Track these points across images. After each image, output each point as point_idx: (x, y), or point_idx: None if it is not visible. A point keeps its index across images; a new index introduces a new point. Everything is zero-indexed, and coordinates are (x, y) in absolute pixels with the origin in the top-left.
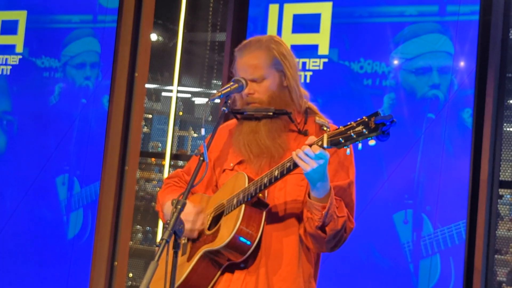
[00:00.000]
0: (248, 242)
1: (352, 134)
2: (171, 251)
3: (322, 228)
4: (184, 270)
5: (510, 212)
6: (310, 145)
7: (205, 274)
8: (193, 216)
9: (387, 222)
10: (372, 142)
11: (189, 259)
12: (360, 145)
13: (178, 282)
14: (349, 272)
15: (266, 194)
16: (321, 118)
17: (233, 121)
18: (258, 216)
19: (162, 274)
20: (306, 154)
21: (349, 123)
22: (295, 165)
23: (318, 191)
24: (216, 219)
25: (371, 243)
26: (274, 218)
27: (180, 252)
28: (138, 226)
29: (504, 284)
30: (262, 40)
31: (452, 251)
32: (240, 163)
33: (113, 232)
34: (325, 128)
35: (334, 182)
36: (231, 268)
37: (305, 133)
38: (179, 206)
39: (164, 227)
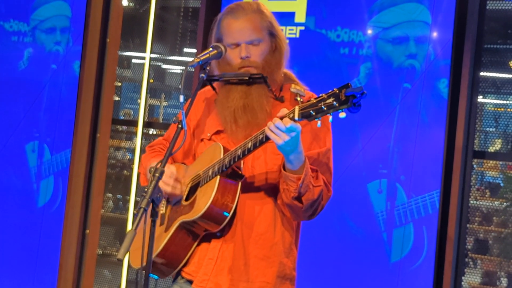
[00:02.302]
0: (224, 213)
1: (322, 106)
2: (148, 220)
3: (298, 198)
4: (162, 240)
5: (477, 181)
6: (281, 118)
7: (183, 244)
8: (172, 181)
9: (361, 192)
10: (342, 115)
11: (166, 229)
12: (330, 117)
13: (155, 252)
14: (323, 241)
15: (241, 165)
16: (297, 85)
17: (207, 89)
18: (233, 187)
19: (139, 244)
20: (277, 127)
21: (320, 95)
22: (268, 137)
23: (292, 164)
24: (192, 190)
25: (345, 212)
26: (250, 187)
27: (157, 222)
28: (109, 194)
29: (469, 252)
30: (252, 4)
31: (425, 220)
32: (217, 133)
33: (84, 200)
34: (298, 98)
35: (310, 151)
36: (208, 237)
37: (281, 100)
38: (157, 174)
39: (141, 196)
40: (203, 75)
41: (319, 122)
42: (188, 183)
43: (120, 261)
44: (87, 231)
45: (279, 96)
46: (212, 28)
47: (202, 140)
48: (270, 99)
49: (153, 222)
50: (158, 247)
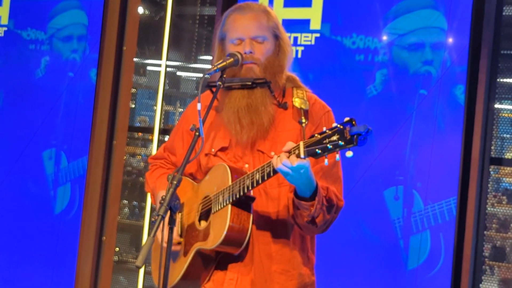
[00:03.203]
0: (240, 239)
1: (328, 145)
2: (166, 227)
3: (311, 222)
4: (182, 265)
5: (494, 188)
6: (288, 152)
7: (202, 266)
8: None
9: (377, 198)
10: (349, 154)
11: (185, 254)
12: (338, 155)
13: (177, 277)
14: (339, 248)
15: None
16: (299, 89)
17: (206, 95)
18: (246, 214)
19: (158, 263)
20: (285, 165)
21: (323, 130)
22: (275, 171)
23: (304, 192)
24: (205, 213)
25: (362, 220)
26: (263, 204)
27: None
28: (125, 201)
29: (486, 259)
30: (260, 5)
31: (442, 227)
32: (222, 149)
33: (101, 207)
34: (303, 121)
35: (319, 163)
36: (227, 256)
37: (284, 107)
38: (174, 182)
39: (159, 203)
40: (220, 83)
41: (326, 160)
42: (198, 205)
43: (139, 268)
44: (104, 237)
45: (282, 102)
46: (216, 27)
47: (206, 155)
48: (273, 104)
49: (171, 229)
50: (179, 272)
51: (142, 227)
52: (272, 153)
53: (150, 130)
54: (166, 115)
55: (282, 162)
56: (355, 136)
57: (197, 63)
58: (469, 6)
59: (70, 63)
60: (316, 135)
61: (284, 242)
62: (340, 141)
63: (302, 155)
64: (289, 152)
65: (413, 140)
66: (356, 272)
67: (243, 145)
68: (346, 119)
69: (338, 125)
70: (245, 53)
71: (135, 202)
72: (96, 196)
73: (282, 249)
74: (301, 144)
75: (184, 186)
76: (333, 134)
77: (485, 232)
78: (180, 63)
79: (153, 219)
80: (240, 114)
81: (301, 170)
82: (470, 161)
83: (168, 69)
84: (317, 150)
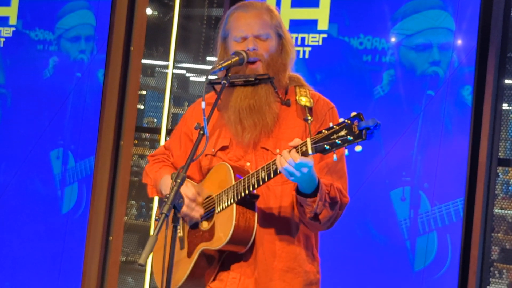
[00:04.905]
0: (246, 238)
1: (337, 141)
2: (170, 225)
3: (314, 218)
4: (187, 266)
5: (503, 190)
6: (294, 147)
7: (208, 266)
8: (195, 205)
9: (384, 199)
10: (358, 148)
11: (189, 255)
12: (346, 151)
13: (182, 278)
14: (345, 248)
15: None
16: (302, 88)
17: (209, 95)
18: (251, 212)
19: (161, 265)
20: (289, 163)
21: (330, 125)
22: None
23: (306, 189)
24: (208, 214)
25: (368, 220)
26: (267, 201)
27: (177, 246)
28: (133, 201)
29: (496, 262)
30: (263, 4)
31: (449, 228)
32: (222, 149)
33: (108, 206)
34: (309, 118)
35: (324, 159)
36: (231, 255)
37: (288, 103)
38: (178, 180)
39: (160, 201)
40: (225, 81)
41: (335, 156)
42: (201, 205)
43: (142, 266)
44: (111, 237)
45: (285, 100)
46: (219, 26)
47: (206, 155)
48: (277, 101)
49: (175, 228)
50: (184, 273)
51: (149, 228)
52: (277, 150)
53: (157, 131)
54: (174, 117)
55: (287, 160)
56: (364, 131)
57: (205, 64)
58: (477, 6)
59: (78, 63)
60: (323, 131)
61: (289, 239)
62: (349, 136)
63: (310, 152)
64: (296, 148)
65: (420, 141)
66: (362, 273)
67: (245, 144)
68: (353, 113)
69: (346, 120)
70: (248, 50)
71: (142, 203)
72: (103, 196)
73: (287, 247)
74: (308, 140)
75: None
76: (341, 130)
77: (493, 235)
78: (188, 64)
79: (156, 217)
80: (241, 115)
81: (304, 168)
82: (478, 162)
83: (177, 70)
84: (325, 146)
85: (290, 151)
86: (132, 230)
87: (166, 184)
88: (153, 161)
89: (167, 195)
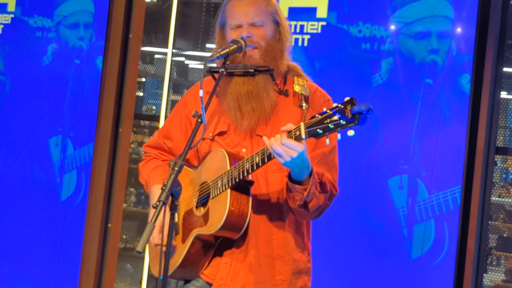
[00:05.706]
0: (240, 223)
1: (330, 125)
2: (168, 213)
3: (304, 206)
4: (181, 252)
5: (502, 178)
6: (287, 133)
7: (201, 252)
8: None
9: (382, 187)
10: (351, 133)
11: (183, 240)
12: (339, 136)
13: (175, 264)
14: (343, 236)
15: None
16: (300, 78)
17: (207, 80)
18: (245, 197)
19: (158, 252)
20: (283, 144)
21: (324, 110)
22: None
23: (298, 176)
24: (202, 199)
25: (366, 208)
26: (261, 188)
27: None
28: (132, 189)
29: (493, 250)
30: None
31: (447, 216)
32: (220, 134)
33: (106, 194)
34: (304, 105)
35: (316, 149)
36: (224, 241)
37: (286, 93)
38: (176, 168)
39: (161, 189)
40: (223, 70)
41: (327, 140)
42: (196, 191)
43: (140, 253)
44: (110, 224)
45: (283, 90)
46: (217, 14)
47: (204, 139)
48: (274, 90)
49: (172, 215)
50: (178, 259)
51: (148, 215)
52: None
53: (156, 118)
54: (173, 104)
55: (281, 141)
56: (356, 115)
57: (204, 51)
58: None
59: (76, 50)
60: (317, 115)
61: (280, 226)
62: (341, 120)
63: (303, 136)
64: (289, 132)
65: (418, 129)
66: (360, 261)
67: (243, 131)
68: (347, 98)
69: (339, 105)
70: (242, 38)
71: (141, 190)
72: (102, 183)
73: (278, 234)
74: (302, 124)
75: (181, 173)
76: (334, 114)
77: (491, 223)
78: (187, 51)
79: (154, 205)
80: (240, 101)
81: (291, 151)
82: (475, 150)
83: (176, 58)
84: (318, 130)
85: (281, 135)
86: (130, 217)
87: (156, 195)
88: (146, 158)
89: (165, 183)
